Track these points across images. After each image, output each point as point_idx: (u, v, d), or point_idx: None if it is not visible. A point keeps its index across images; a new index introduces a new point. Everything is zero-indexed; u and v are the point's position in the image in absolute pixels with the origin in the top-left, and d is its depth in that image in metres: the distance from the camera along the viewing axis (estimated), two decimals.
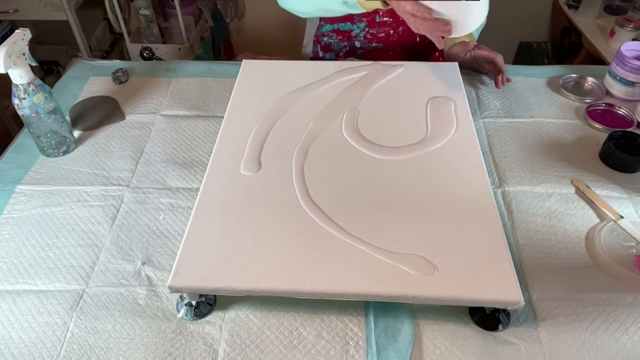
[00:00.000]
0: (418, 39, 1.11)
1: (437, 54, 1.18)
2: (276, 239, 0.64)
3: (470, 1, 0.73)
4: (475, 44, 1.01)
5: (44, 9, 1.67)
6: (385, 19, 1.08)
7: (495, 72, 0.97)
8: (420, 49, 1.13)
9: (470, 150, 0.76)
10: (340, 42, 1.14)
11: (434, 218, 0.66)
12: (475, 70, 1.02)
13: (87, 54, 1.79)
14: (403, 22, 1.08)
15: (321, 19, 1.11)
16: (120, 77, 1.02)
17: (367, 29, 1.10)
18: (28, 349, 0.60)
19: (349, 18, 1.09)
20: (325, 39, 1.14)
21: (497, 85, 0.96)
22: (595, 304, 0.63)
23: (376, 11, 1.06)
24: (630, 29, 1.66)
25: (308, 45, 1.19)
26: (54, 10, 1.67)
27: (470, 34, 1.03)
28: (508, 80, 0.97)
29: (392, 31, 1.10)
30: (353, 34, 1.11)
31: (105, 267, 0.68)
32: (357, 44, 1.13)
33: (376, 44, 1.12)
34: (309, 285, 0.59)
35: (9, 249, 0.71)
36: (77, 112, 0.95)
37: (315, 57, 1.20)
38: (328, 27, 1.12)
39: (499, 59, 0.96)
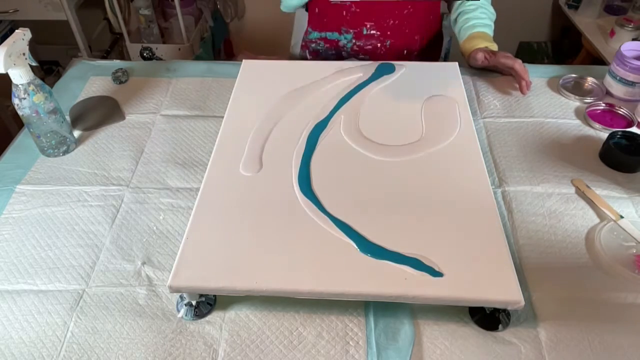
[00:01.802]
0: (405, 52, 1.11)
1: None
2: (276, 239, 0.64)
3: None
4: (494, 50, 1.00)
5: (44, 9, 1.67)
6: (372, 32, 1.07)
7: (517, 78, 0.96)
8: (407, 60, 1.12)
9: (471, 150, 0.76)
10: (328, 50, 1.13)
11: (434, 218, 0.66)
12: (497, 72, 1.02)
13: (87, 54, 1.79)
14: (390, 36, 1.08)
15: (308, 25, 1.10)
16: (120, 77, 1.02)
17: (354, 41, 1.09)
18: (28, 349, 0.60)
19: (336, 28, 1.08)
20: (314, 45, 1.14)
21: (521, 91, 0.95)
22: (595, 304, 0.63)
23: (363, 24, 1.06)
24: (630, 29, 1.66)
25: (296, 46, 1.18)
26: (54, 10, 1.67)
27: (491, 40, 1.03)
28: (530, 83, 0.96)
29: (379, 44, 1.09)
30: (340, 44, 1.10)
31: (105, 267, 0.68)
32: (344, 54, 1.12)
33: (363, 56, 1.12)
34: (309, 285, 0.59)
35: (9, 249, 0.71)
36: (77, 112, 0.95)
37: (303, 60, 1.19)
38: (316, 34, 1.11)
39: (518, 65, 0.95)
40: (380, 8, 1.04)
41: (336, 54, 1.13)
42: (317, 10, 1.05)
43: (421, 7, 1.05)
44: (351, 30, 1.07)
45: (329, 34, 1.09)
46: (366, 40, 1.08)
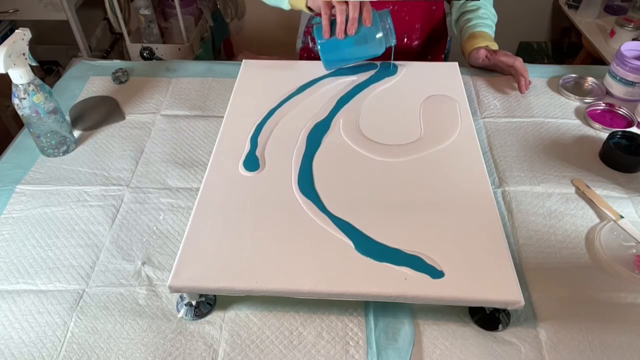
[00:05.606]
0: (405, 39, 1.10)
1: (429, 57, 1.17)
2: (276, 239, 0.64)
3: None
4: (495, 49, 1.00)
5: (44, 9, 1.67)
6: None
7: (516, 77, 0.97)
8: (409, 50, 1.12)
9: (471, 150, 0.76)
10: None
11: (434, 218, 0.66)
12: (497, 71, 1.02)
13: (87, 54, 1.79)
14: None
15: None
16: (120, 77, 1.02)
17: None
18: (28, 349, 0.60)
19: None
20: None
21: (520, 90, 0.95)
22: (595, 304, 0.63)
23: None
24: (630, 29, 1.66)
25: (300, 36, 1.19)
26: (54, 10, 1.67)
27: (492, 39, 1.03)
28: (529, 82, 0.96)
29: None
30: None
31: (105, 267, 0.68)
32: None
33: None
34: (309, 285, 0.59)
35: (9, 249, 0.71)
36: (77, 112, 0.95)
37: (305, 48, 1.19)
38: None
39: (519, 63, 0.95)
40: None
41: None
42: None
43: None
44: None
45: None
46: None
